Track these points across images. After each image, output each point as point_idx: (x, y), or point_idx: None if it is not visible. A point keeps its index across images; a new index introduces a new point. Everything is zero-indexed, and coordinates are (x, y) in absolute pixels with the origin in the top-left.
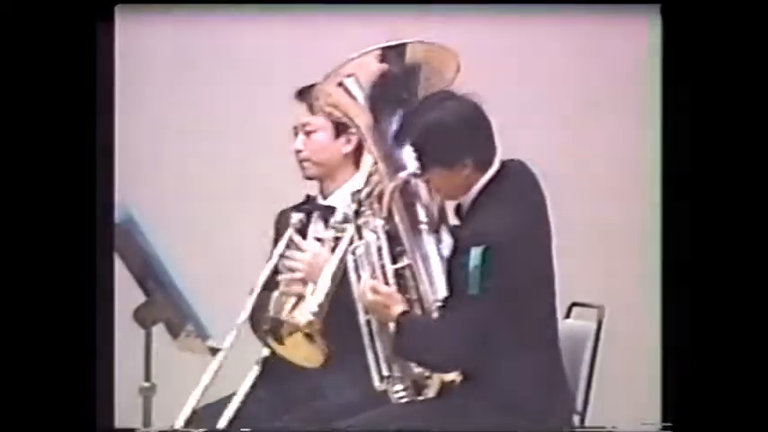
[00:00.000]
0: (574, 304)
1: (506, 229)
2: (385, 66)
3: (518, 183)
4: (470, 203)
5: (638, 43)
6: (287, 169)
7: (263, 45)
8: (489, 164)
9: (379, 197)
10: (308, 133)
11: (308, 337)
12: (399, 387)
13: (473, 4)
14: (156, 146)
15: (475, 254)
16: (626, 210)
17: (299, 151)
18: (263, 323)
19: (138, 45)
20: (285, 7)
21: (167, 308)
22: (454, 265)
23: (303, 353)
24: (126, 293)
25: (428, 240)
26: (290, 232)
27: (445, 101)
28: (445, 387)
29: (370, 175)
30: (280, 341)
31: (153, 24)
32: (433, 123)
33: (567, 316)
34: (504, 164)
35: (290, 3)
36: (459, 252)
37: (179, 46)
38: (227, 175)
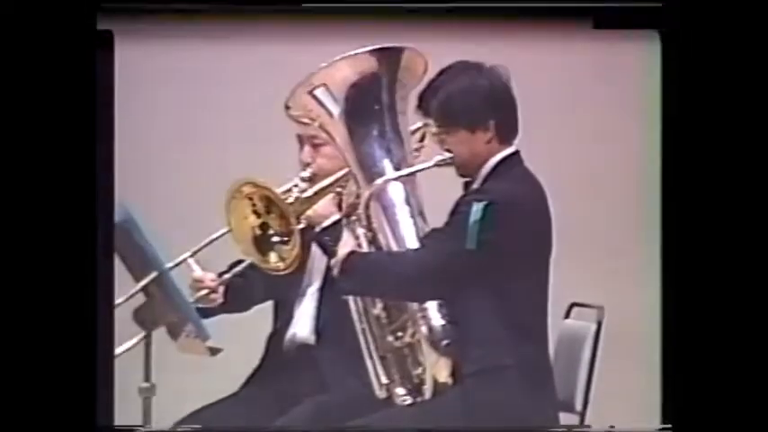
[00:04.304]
0: (574, 304)
1: (510, 195)
2: (358, 72)
3: (528, 176)
4: (482, 181)
5: (637, 56)
6: (285, 170)
7: (259, 53)
8: (510, 136)
9: (357, 206)
10: (315, 146)
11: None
12: (402, 391)
13: (471, 18)
14: (156, 146)
15: (476, 209)
16: (626, 210)
17: (306, 164)
18: None
19: (137, 48)
20: (282, 17)
21: (167, 308)
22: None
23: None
24: (126, 293)
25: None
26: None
27: (474, 68)
28: (439, 387)
29: (346, 182)
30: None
31: (152, 30)
32: (461, 85)
33: (567, 316)
34: (519, 153)
35: (284, 6)
36: (457, 210)
37: (178, 49)
38: (227, 175)
